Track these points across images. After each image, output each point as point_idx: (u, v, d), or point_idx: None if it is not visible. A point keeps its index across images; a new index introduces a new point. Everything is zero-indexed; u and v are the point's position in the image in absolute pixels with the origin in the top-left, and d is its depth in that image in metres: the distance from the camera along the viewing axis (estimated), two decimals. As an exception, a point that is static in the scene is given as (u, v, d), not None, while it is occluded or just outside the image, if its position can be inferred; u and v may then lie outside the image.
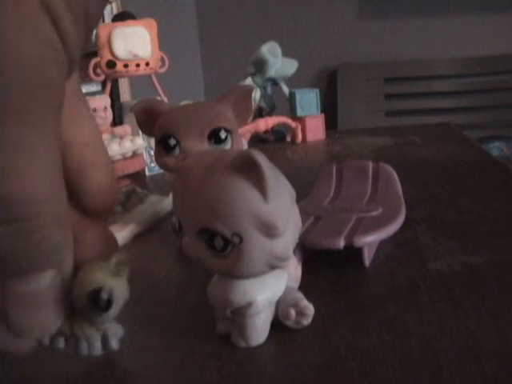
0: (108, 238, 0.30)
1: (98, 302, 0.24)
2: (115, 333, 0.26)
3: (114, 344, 0.26)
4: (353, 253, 0.35)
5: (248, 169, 0.23)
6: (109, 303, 0.24)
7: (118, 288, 0.25)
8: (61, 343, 0.26)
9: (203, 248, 0.25)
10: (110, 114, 0.66)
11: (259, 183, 0.24)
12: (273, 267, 0.26)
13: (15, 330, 0.24)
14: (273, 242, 0.25)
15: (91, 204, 0.29)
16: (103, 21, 1.11)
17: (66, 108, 0.28)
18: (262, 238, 0.24)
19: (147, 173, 0.73)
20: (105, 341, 0.26)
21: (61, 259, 0.24)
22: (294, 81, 0.97)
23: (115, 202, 0.30)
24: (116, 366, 0.27)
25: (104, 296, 0.24)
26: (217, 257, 0.25)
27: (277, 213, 0.24)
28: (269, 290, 0.27)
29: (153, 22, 0.85)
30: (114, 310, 0.25)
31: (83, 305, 0.24)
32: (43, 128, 0.21)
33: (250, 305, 0.26)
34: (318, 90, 0.91)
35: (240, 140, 0.41)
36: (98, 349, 0.26)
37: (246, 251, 0.24)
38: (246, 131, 0.83)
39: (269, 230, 0.24)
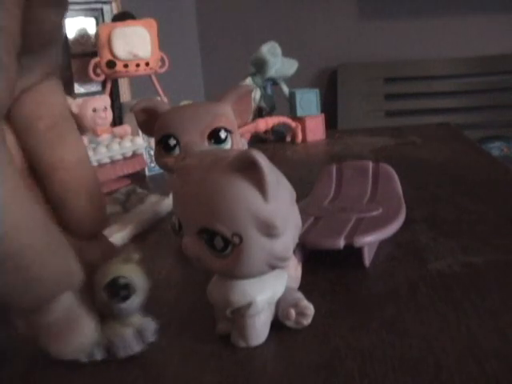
0: (107, 244, 0.30)
1: (117, 291, 0.25)
2: (147, 326, 0.27)
3: (150, 336, 0.27)
4: (353, 253, 0.35)
5: (248, 169, 0.23)
6: (128, 291, 0.25)
7: (135, 275, 0.25)
8: (98, 354, 0.27)
9: (203, 248, 0.25)
10: (109, 114, 0.66)
11: (259, 183, 0.24)
12: (273, 267, 0.26)
13: (54, 356, 0.25)
14: (273, 242, 0.25)
15: (77, 230, 0.29)
16: (103, 21, 1.11)
17: (53, 130, 0.28)
18: (262, 238, 0.24)
19: (147, 173, 0.73)
20: (139, 337, 0.27)
21: (69, 281, 0.24)
22: (294, 81, 0.97)
23: (103, 227, 0.30)
24: (116, 366, 0.27)
25: (122, 282, 0.25)
26: (217, 257, 0.25)
27: (277, 213, 0.24)
28: (269, 290, 0.27)
29: (153, 22, 0.85)
30: (136, 298, 0.25)
31: (104, 300, 0.25)
32: None
33: (249, 305, 0.26)
34: (317, 90, 0.91)
35: (240, 140, 0.41)
36: (134, 346, 0.27)
37: (246, 251, 0.24)
38: (246, 131, 0.83)
39: (269, 230, 0.24)
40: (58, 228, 0.24)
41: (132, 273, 0.25)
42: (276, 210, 0.24)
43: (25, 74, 0.26)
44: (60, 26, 0.26)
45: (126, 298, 0.25)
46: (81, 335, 0.25)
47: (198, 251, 0.25)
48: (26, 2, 0.22)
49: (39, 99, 0.28)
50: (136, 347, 0.27)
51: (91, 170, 0.30)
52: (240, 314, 0.27)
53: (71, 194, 0.28)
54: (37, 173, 0.28)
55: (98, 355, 0.26)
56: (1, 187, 0.20)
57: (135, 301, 0.25)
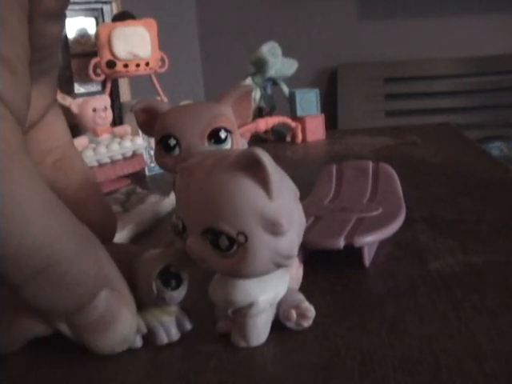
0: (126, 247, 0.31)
1: (169, 280, 0.26)
2: (185, 314, 0.28)
3: (188, 324, 0.28)
4: (353, 253, 0.35)
5: (252, 167, 0.23)
6: (179, 279, 0.26)
7: (180, 264, 0.26)
8: (138, 342, 0.27)
9: (208, 248, 0.25)
10: (109, 114, 0.66)
11: (263, 181, 0.24)
12: (278, 265, 0.25)
13: (99, 353, 0.26)
14: (278, 240, 0.25)
15: None
16: (103, 21, 1.11)
17: (61, 161, 0.29)
18: (268, 237, 0.24)
19: (147, 173, 0.73)
20: (179, 324, 0.28)
21: (105, 278, 0.25)
22: (294, 81, 0.97)
23: (114, 233, 0.32)
24: (116, 366, 0.27)
25: (173, 270, 0.26)
26: (222, 256, 0.25)
27: (281, 210, 0.24)
28: (271, 291, 0.27)
29: (153, 22, 0.85)
30: (183, 289, 0.27)
31: (159, 288, 0.26)
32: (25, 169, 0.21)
33: (251, 305, 0.26)
34: (317, 90, 0.91)
35: (240, 140, 0.41)
36: (175, 333, 0.28)
37: (252, 250, 0.24)
38: (246, 131, 0.83)
39: (274, 228, 0.24)
40: (89, 230, 0.25)
41: (177, 262, 0.26)
42: (281, 208, 0.24)
43: (31, 106, 0.27)
44: (59, 43, 0.27)
45: (176, 287, 0.26)
46: (123, 326, 0.26)
47: (202, 252, 0.25)
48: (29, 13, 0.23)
49: (47, 134, 0.30)
50: (176, 335, 0.28)
51: (96, 184, 0.32)
52: (241, 314, 0.27)
53: (78, 207, 0.29)
54: None
55: (139, 343, 0.27)
56: (36, 201, 0.21)
57: (182, 291, 0.26)
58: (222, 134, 0.39)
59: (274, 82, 0.96)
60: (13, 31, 0.21)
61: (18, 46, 0.22)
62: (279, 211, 0.24)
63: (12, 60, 0.21)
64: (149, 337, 0.27)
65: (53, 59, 0.27)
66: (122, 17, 0.87)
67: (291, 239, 0.25)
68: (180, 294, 0.26)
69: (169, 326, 0.27)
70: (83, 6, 1.17)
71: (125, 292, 0.26)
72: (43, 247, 0.22)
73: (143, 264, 0.27)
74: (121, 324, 0.26)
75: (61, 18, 0.25)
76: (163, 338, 0.27)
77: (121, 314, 0.26)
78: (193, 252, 0.26)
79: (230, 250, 0.25)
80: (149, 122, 0.42)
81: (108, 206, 0.32)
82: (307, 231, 0.37)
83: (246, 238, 0.24)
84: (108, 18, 1.11)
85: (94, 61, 0.84)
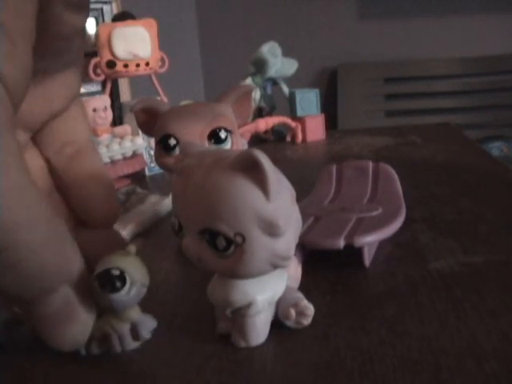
0: (115, 235, 0.31)
1: (108, 282, 0.24)
2: (145, 323, 0.26)
3: (145, 333, 0.26)
4: (353, 253, 0.35)
5: (250, 168, 0.23)
6: (121, 281, 0.24)
7: (131, 267, 0.25)
8: (95, 348, 0.26)
9: (205, 248, 0.25)
10: (110, 114, 0.66)
11: (261, 182, 0.24)
12: (275, 266, 0.26)
13: (53, 347, 0.25)
14: (275, 241, 0.25)
15: (89, 218, 0.30)
16: (103, 21, 1.11)
17: (78, 154, 0.30)
18: (265, 238, 0.24)
19: (147, 173, 0.73)
20: (135, 332, 0.26)
21: (68, 275, 0.24)
22: (294, 81, 0.97)
23: (116, 216, 0.31)
24: (116, 366, 0.27)
25: (115, 273, 0.24)
26: (219, 257, 0.25)
27: (279, 212, 0.24)
28: (269, 290, 0.27)
29: (153, 22, 0.85)
30: (131, 291, 0.25)
31: (96, 289, 0.24)
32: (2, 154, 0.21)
33: (250, 305, 0.26)
34: (317, 90, 0.91)
35: (240, 140, 0.41)
36: (129, 342, 0.26)
37: (249, 251, 0.24)
38: (246, 131, 0.83)
39: (271, 229, 0.24)
40: (64, 225, 0.24)
41: (129, 265, 0.25)
42: (278, 209, 0.24)
43: (50, 98, 0.27)
44: (81, 35, 0.26)
45: (117, 289, 0.24)
46: (78, 327, 0.25)
47: (199, 252, 0.25)
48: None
49: (68, 126, 0.30)
50: (131, 343, 0.26)
51: (98, 156, 0.31)
52: (240, 314, 0.27)
53: (79, 183, 0.29)
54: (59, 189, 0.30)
55: (95, 349, 0.26)
56: (1, 179, 0.20)
57: (129, 293, 0.25)
58: (222, 134, 0.39)
59: (274, 81, 0.96)
60: (16, 4, 0.21)
61: (20, 19, 0.21)
62: (277, 212, 0.24)
63: (12, 31, 0.21)
64: (106, 344, 0.26)
65: (76, 53, 0.27)
66: (122, 17, 0.87)
67: (288, 240, 0.25)
68: (123, 297, 0.24)
69: (123, 335, 0.26)
70: (83, 6, 1.17)
71: (87, 293, 0.25)
72: (4, 230, 0.21)
73: (96, 268, 0.25)
74: (75, 325, 0.25)
75: (82, 10, 0.25)
76: (117, 347, 0.26)
77: (76, 315, 0.25)
78: (189, 252, 0.26)
79: (227, 251, 0.25)
80: (149, 122, 0.42)
81: (113, 201, 0.32)
82: (307, 231, 0.37)
83: (244, 239, 0.24)
84: (108, 18, 1.11)
85: (94, 61, 0.84)
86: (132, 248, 0.26)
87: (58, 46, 0.25)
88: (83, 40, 0.27)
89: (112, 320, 0.26)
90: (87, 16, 0.26)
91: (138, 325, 0.26)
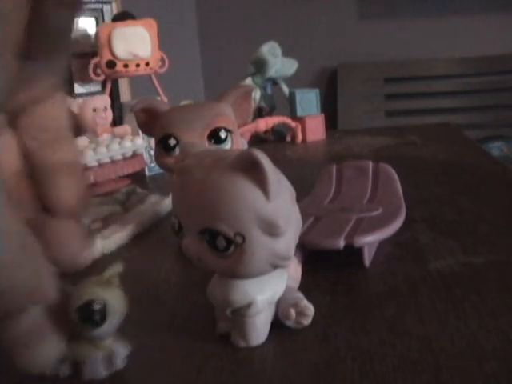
0: (78, 229, 0.30)
1: (90, 316, 0.23)
2: (118, 351, 0.25)
3: (119, 363, 0.25)
4: (353, 253, 0.35)
5: (250, 168, 0.23)
6: (102, 316, 0.23)
7: (112, 300, 0.24)
8: (66, 370, 0.25)
9: (205, 248, 0.25)
10: (110, 114, 0.66)
11: (261, 182, 0.24)
12: (275, 266, 0.26)
13: (20, 368, 0.24)
14: (275, 241, 0.25)
15: (55, 207, 0.29)
16: (103, 21, 1.11)
17: (57, 141, 0.29)
18: (265, 238, 0.24)
19: (147, 173, 0.73)
20: (109, 361, 0.25)
21: (42, 296, 0.24)
22: (294, 81, 0.97)
23: (83, 209, 0.30)
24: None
25: (96, 307, 0.23)
26: (219, 257, 0.25)
27: (279, 212, 0.24)
28: (269, 290, 0.27)
29: (153, 22, 0.85)
30: (111, 324, 0.24)
31: (75, 321, 0.23)
32: None
33: (250, 305, 0.26)
34: (317, 90, 0.91)
35: (240, 140, 0.41)
36: (100, 371, 0.25)
37: (249, 251, 0.24)
38: (246, 131, 0.83)
39: (271, 229, 0.24)
40: (37, 246, 0.24)
41: (109, 296, 0.24)
42: (278, 209, 0.24)
43: (32, 84, 0.26)
44: (69, 33, 0.26)
45: (98, 324, 0.24)
46: (47, 350, 0.24)
47: (199, 252, 0.25)
48: None
49: (48, 113, 0.29)
50: (102, 372, 0.25)
51: (73, 144, 0.30)
52: (240, 314, 0.27)
53: (52, 171, 0.28)
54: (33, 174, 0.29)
55: (65, 372, 0.25)
56: None
57: (108, 326, 0.24)
58: (222, 134, 0.39)
59: (274, 81, 0.96)
60: None
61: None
62: (277, 212, 0.24)
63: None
64: (76, 368, 0.25)
65: (63, 52, 0.27)
66: (122, 17, 0.87)
67: (288, 240, 0.25)
68: (103, 330, 0.24)
69: (95, 363, 0.25)
70: (83, 6, 1.17)
71: (59, 315, 0.24)
72: None
73: (73, 296, 0.24)
74: (44, 347, 0.24)
75: (73, 10, 0.25)
76: (88, 375, 0.25)
77: (47, 337, 0.24)
78: (189, 252, 0.26)
79: (227, 251, 0.25)
80: (149, 122, 0.42)
81: (82, 194, 0.31)
82: (307, 231, 0.37)
83: (244, 239, 0.24)
84: (108, 18, 1.11)
85: (93, 61, 0.84)
86: (115, 280, 0.25)
87: (44, 47, 0.25)
88: (71, 29, 0.27)
89: (86, 347, 0.25)
90: (75, 18, 0.26)
91: (112, 354, 0.25)
